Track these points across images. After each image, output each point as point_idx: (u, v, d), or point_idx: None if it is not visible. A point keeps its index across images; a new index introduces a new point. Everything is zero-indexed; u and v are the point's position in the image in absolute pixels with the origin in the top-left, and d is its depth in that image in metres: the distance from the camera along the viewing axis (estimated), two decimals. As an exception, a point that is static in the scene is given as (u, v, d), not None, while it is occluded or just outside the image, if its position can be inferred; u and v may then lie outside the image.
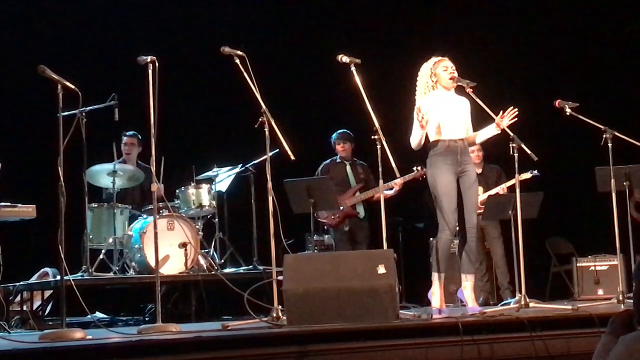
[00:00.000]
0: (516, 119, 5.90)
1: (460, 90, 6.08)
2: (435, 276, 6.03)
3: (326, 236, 8.11)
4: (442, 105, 5.99)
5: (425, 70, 6.10)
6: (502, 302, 7.04)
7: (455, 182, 5.99)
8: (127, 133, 7.95)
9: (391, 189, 7.72)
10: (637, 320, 2.86)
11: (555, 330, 4.97)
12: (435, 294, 6.01)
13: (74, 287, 5.13)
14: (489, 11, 9.76)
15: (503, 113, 5.92)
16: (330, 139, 8.27)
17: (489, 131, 6.10)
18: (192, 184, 7.67)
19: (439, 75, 6.04)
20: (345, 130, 8.21)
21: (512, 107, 5.91)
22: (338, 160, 8.22)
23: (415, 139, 6.01)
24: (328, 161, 8.24)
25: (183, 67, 8.67)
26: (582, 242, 8.81)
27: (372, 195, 7.91)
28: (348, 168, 8.18)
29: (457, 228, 6.11)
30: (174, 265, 7.07)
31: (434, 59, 6.10)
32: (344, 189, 8.03)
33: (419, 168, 7.41)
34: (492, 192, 7.94)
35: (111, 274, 7.12)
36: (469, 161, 6.07)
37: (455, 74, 6.02)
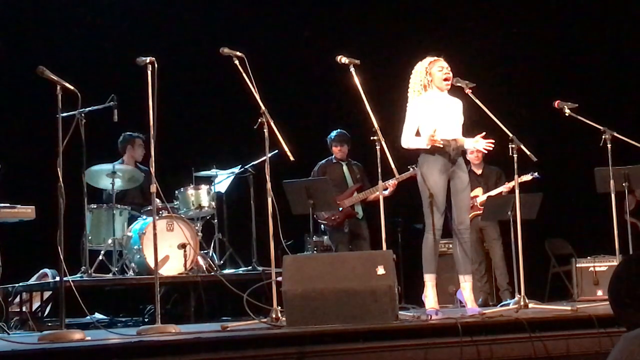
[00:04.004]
0: (491, 148, 6.04)
1: (453, 91, 6.07)
2: (425, 278, 5.98)
3: (325, 237, 8.10)
4: (435, 105, 5.98)
5: (419, 69, 6.07)
6: (502, 303, 7.03)
7: (444, 183, 5.95)
8: (141, 135, 7.89)
9: (386, 189, 7.70)
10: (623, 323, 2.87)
11: (555, 331, 4.97)
12: (429, 297, 5.97)
13: (73, 288, 5.13)
14: (488, 11, 9.76)
15: (482, 136, 6.00)
16: (326, 139, 8.24)
17: (469, 143, 6.11)
18: (192, 185, 7.67)
19: (433, 75, 6.02)
20: (342, 131, 8.16)
21: (490, 140, 6.02)
22: (334, 160, 8.20)
23: (409, 144, 6.00)
24: (324, 161, 8.21)
25: (182, 68, 8.67)
26: (581, 243, 8.81)
27: (367, 196, 7.91)
28: (345, 168, 8.16)
29: (455, 229, 6.08)
30: (173, 266, 7.07)
31: (429, 59, 6.08)
32: (342, 189, 8.02)
33: (414, 167, 7.38)
34: (492, 193, 7.94)
35: (110, 275, 7.11)
36: (461, 162, 6.04)
37: (450, 75, 6.02)
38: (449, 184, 5.98)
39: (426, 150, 5.94)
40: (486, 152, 6.11)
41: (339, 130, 8.17)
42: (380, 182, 5.94)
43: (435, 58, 6.06)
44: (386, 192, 7.65)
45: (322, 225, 8.05)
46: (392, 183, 7.58)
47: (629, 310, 2.82)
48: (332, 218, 7.91)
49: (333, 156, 8.19)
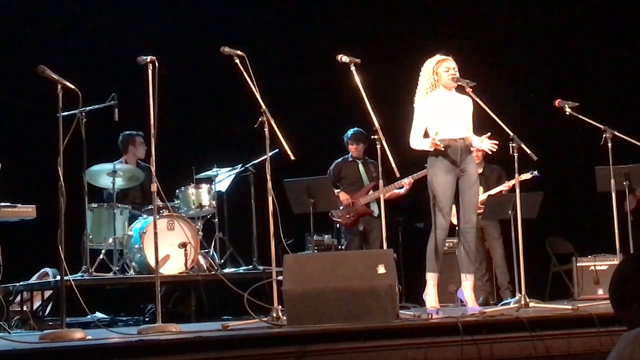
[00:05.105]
0: (495, 149, 6.04)
1: (462, 89, 6.06)
2: (427, 276, 6.00)
3: (326, 236, 8.09)
4: (442, 105, 5.98)
5: (427, 68, 6.06)
6: (502, 302, 7.04)
7: (453, 183, 5.95)
8: (140, 133, 7.89)
9: (401, 187, 7.71)
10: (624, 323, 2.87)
11: (555, 330, 4.97)
12: (429, 295, 5.98)
13: (74, 287, 5.13)
14: (490, 11, 9.76)
15: (488, 136, 5.99)
16: (343, 137, 8.18)
17: (476, 142, 6.11)
18: (192, 184, 7.67)
19: (440, 74, 6.02)
20: (359, 129, 8.03)
21: (495, 141, 6.02)
22: (350, 159, 8.18)
23: (417, 145, 6.02)
24: (340, 160, 8.19)
25: (183, 67, 8.66)
26: (581, 241, 8.81)
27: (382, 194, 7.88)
28: (360, 166, 8.13)
29: (457, 228, 6.10)
30: (173, 265, 7.07)
31: (438, 57, 6.05)
32: (358, 187, 8.01)
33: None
34: (493, 192, 7.94)
35: (111, 274, 7.12)
36: (470, 161, 6.04)
37: (457, 75, 6.00)
38: (458, 183, 5.99)
39: (431, 152, 5.94)
40: (490, 152, 6.10)
41: (355, 128, 8.10)
42: (381, 182, 5.95)
43: (444, 57, 6.04)
44: (402, 190, 7.70)
45: (337, 224, 8.03)
46: (407, 181, 7.59)
47: (630, 309, 2.82)
48: (347, 216, 7.89)
49: (349, 154, 8.17)
